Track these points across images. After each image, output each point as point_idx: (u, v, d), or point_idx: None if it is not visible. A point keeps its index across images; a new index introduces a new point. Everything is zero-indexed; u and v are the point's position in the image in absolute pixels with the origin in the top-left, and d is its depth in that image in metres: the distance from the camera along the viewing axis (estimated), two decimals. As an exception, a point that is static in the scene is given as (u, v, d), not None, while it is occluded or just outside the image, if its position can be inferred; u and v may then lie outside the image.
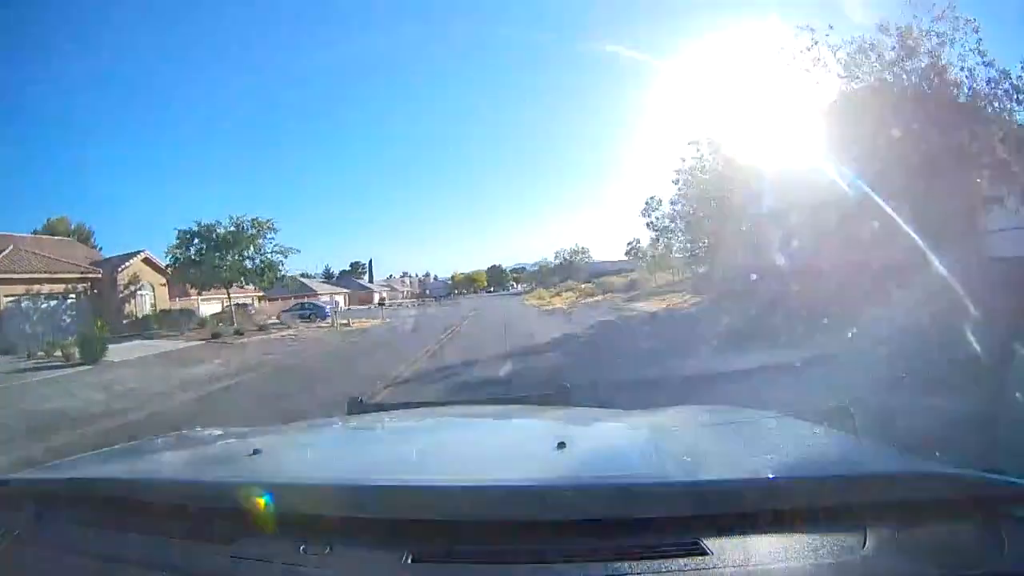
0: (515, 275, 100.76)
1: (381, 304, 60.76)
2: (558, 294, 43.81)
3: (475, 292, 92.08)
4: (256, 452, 1.45)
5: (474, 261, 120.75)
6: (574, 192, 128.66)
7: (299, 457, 1.71)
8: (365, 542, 0.99)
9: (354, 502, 1.05)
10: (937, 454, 1.50)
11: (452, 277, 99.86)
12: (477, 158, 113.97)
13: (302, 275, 67.09)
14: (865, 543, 0.91)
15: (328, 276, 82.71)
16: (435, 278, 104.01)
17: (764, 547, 0.92)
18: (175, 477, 1.44)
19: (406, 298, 78.65)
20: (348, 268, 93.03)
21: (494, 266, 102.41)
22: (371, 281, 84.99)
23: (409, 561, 0.94)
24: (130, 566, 1.05)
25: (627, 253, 79.80)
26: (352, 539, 1.00)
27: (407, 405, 2.44)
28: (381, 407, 2.44)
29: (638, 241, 79.77)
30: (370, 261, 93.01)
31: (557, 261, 77.29)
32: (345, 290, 66.40)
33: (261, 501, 1.03)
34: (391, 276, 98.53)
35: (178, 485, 1.31)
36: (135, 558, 1.07)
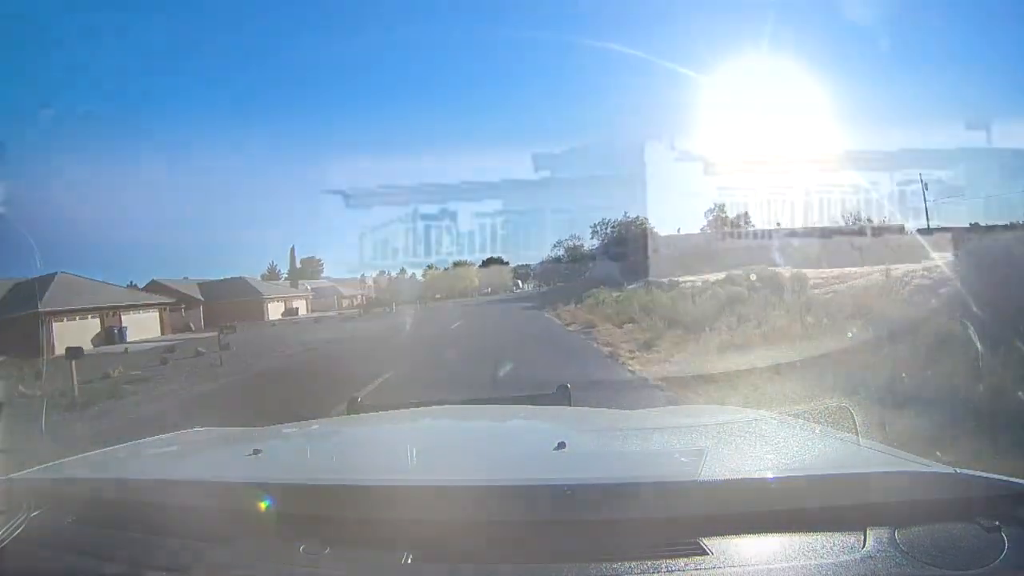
0: (520, 272, 70.96)
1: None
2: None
3: (461, 295, 62.34)
4: (256, 452, 1.45)
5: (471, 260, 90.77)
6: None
7: (298, 457, 1.73)
8: (364, 542, 0.99)
9: (353, 502, 1.06)
10: (937, 454, 1.42)
11: (424, 273, 70.17)
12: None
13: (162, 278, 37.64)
14: (865, 543, 0.92)
15: (274, 273, 55.95)
16: (412, 275, 75.67)
17: (764, 547, 0.93)
18: (175, 477, 1.43)
19: (358, 305, 50.07)
20: (299, 266, 66.14)
21: (491, 259, 72.32)
22: (294, 285, 55.59)
23: (408, 561, 0.95)
24: (129, 566, 1.05)
25: (708, 225, 48.23)
26: (351, 539, 1.00)
27: (407, 405, 2.37)
28: (381, 407, 2.39)
29: (721, 208, 46.91)
30: (292, 249, 64.25)
31: (594, 242, 46.49)
32: (166, 301, 35.50)
33: (260, 501, 1.05)
34: (363, 276, 71.48)
35: (178, 485, 1.30)
36: (134, 558, 1.06)
